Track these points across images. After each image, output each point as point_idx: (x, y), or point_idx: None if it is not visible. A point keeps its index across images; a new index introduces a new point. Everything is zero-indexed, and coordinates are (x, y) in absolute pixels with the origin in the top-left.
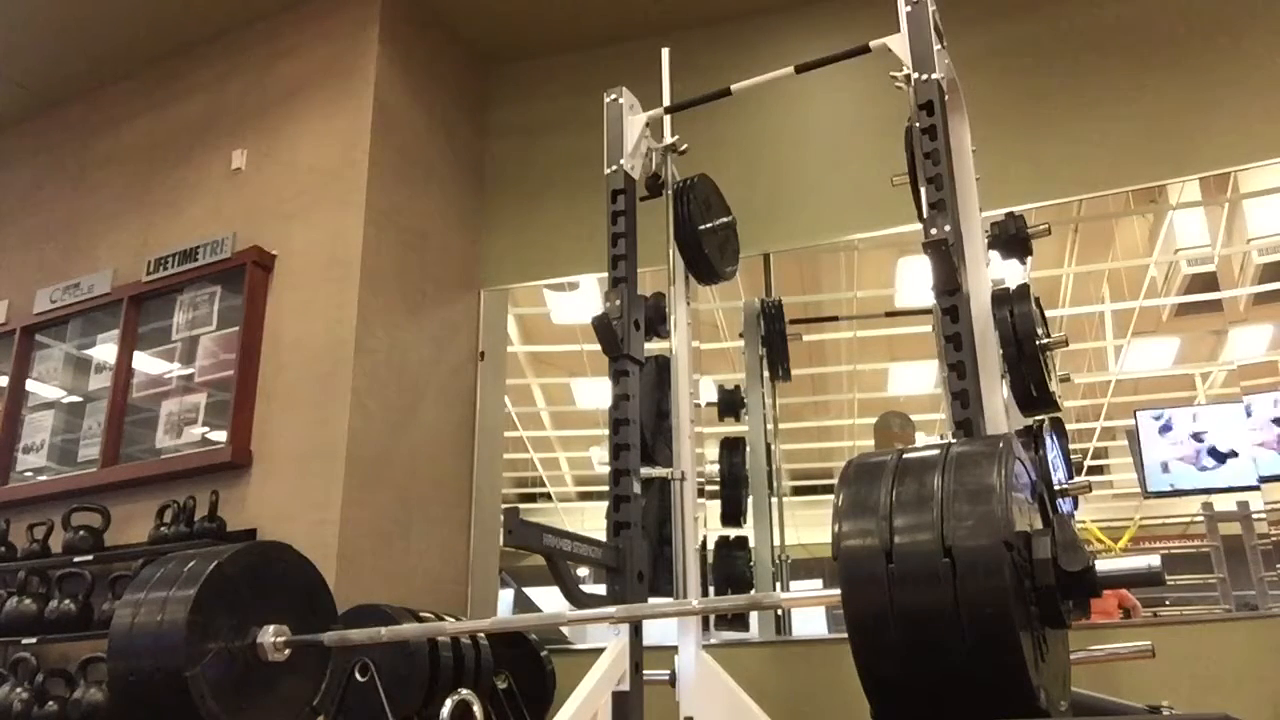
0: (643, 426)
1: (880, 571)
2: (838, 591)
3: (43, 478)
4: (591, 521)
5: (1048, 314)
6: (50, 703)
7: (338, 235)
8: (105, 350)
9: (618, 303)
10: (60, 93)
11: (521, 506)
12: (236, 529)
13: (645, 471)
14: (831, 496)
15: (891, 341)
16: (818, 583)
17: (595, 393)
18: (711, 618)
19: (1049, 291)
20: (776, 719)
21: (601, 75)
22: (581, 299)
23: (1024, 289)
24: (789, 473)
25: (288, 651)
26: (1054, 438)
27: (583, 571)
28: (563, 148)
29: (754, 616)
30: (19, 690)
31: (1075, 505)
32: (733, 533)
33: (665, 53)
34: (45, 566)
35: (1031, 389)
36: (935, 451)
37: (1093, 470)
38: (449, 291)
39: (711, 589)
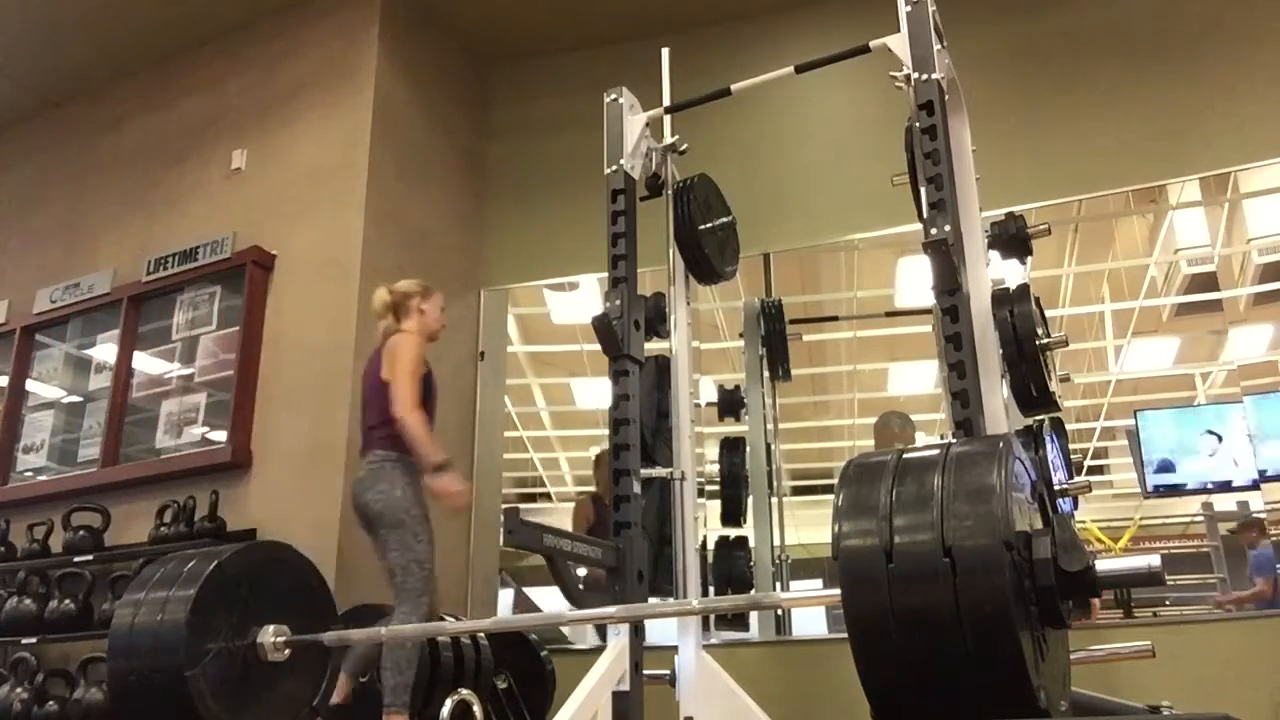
0: (643, 426)
1: (880, 571)
2: (838, 591)
3: (43, 478)
4: None
5: (1048, 314)
6: (50, 703)
7: (338, 235)
8: (105, 350)
9: (618, 303)
10: (61, 93)
11: (521, 506)
12: (236, 529)
13: (645, 471)
14: (831, 496)
15: (891, 341)
16: (818, 583)
17: (595, 393)
18: (711, 618)
19: (1049, 291)
20: (776, 719)
21: (601, 75)
22: (581, 299)
23: (1024, 289)
24: (789, 473)
25: (288, 651)
26: (1054, 438)
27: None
28: (563, 148)
29: (754, 616)
30: (19, 690)
31: (1075, 505)
32: (733, 533)
33: (665, 53)
34: (45, 566)
35: (1031, 389)
36: (935, 451)
37: (1093, 470)
38: (449, 291)
39: (711, 589)
